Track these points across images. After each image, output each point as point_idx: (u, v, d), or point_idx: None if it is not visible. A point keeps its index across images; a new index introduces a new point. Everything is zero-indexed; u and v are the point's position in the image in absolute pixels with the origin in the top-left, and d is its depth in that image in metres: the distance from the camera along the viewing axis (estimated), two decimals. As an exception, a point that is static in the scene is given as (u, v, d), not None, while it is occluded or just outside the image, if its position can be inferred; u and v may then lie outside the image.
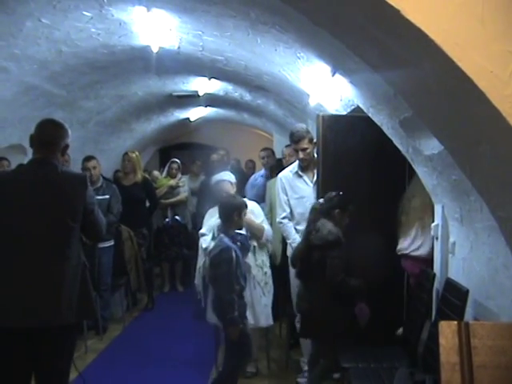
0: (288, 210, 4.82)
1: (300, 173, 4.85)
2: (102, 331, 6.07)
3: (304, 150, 4.73)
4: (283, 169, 5.18)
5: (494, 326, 2.40)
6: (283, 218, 4.84)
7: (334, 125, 4.74)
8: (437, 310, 3.68)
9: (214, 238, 4.78)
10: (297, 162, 4.91)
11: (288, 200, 4.84)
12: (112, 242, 6.06)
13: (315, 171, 4.83)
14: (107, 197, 5.97)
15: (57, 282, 3.08)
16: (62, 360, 3.19)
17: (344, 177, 4.65)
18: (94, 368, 5.15)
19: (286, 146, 5.90)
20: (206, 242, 4.75)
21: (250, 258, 4.81)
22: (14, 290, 3.03)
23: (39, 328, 3.03)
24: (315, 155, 4.84)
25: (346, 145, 4.69)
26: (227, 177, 5.06)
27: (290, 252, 4.87)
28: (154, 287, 7.79)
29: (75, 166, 6.29)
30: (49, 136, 3.24)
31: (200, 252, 4.86)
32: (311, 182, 4.83)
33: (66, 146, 3.30)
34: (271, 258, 5.22)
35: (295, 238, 4.73)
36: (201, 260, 4.83)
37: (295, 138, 4.73)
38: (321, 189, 4.66)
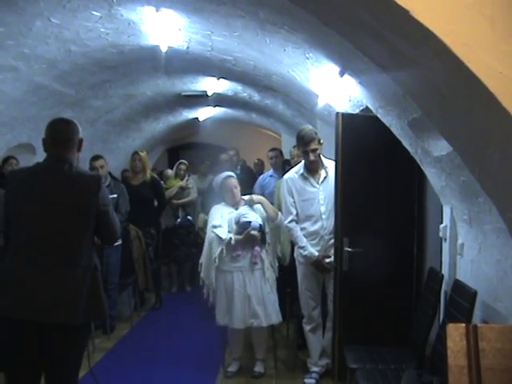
0: (294, 212, 4.78)
1: (306, 174, 4.79)
2: (109, 330, 6.09)
3: (314, 151, 4.69)
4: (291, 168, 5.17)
5: (503, 329, 2.39)
6: (290, 221, 4.80)
7: (353, 124, 4.63)
8: (445, 311, 3.67)
9: (230, 231, 4.82)
10: (302, 162, 4.88)
11: (294, 202, 4.79)
12: (120, 242, 6.06)
13: (321, 172, 4.80)
14: (115, 196, 5.98)
15: (65, 281, 3.08)
16: (71, 360, 3.19)
17: (362, 176, 4.59)
18: (101, 367, 5.15)
19: (294, 147, 5.89)
20: (223, 232, 4.81)
21: (264, 255, 4.85)
22: (26, 285, 3.04)
23: (46, 325, 3.03)
24: (321, 156, 4.82)
25: (365, 144, 4.56)
26: (232, 173, 5.17)
27: (297, 254, 4.89)
28: (162, 287, 7.80)
29: (83, 165, 6.30)
30: (62, 133, 3.22)
31: (215, 242, 4.84)
32: (317, 183, 4.78)
33: (81, 141, 3.29)
34: (279, 258, 5.23)
35: (305, 246, 4.72)
36: (216, 249, 4.82)
37: (306, 140, 4.65)
38: (340, 187, 4.58)
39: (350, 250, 4.55)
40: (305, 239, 4.74)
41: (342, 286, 4.57)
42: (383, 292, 4.53)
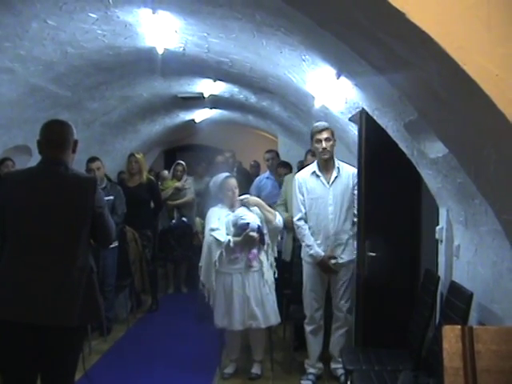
0: (304, 211, 4.80)
1: (318, 173, 4.80)
2: (106, 332, 6.08)
3: (327, 140, 4.69)
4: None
5: (498, 331, 2.39)
6: (299, 219, 4.82)
7: (375, 122, 4.38)
8: (441, 313, 3.68)
9: (228, 233, 4.81)
10: (315, 162, 4.89)
11: (304, 200, 4.82)
12: (116, 243, 6.06)
13: (333, 171, 4.80)
14: (111, 198, 5.98)
15: (61, 283, 3.08)
16: (67, 361, 3.19)
17: (384, 176, 4.55)
18: (97, 369, 5.15)
19: (308, 151, 5.88)
20: (222, 235, 4.80)
21: (263, 256, 4.84)
22: (21, 287, 3.04)
23: (42, 326, 3.03)
24: (334, 156, 4.83)
25: (388, 143, 4.35)
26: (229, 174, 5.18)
27: (304, 254, 4.90)
28: (159, 289, 7.79)
29: (80, 167, 6.29)
30: (57, 135, 3.23)
31: (214, 246, 4.83)
32: (328, 182, 4.78)
33: (76, 142, 3.30)
34: (280, 254, 5.25)
35: (312, 245, 4.73)
36: (216, 253, 4.80)
37: (320, 127, 4.70)
38: (363, 188, 4.55)
39: (373, 254, 4.52)
40: (312, 238, 4.74)
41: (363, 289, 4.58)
42: (383, 293, 4.54)
